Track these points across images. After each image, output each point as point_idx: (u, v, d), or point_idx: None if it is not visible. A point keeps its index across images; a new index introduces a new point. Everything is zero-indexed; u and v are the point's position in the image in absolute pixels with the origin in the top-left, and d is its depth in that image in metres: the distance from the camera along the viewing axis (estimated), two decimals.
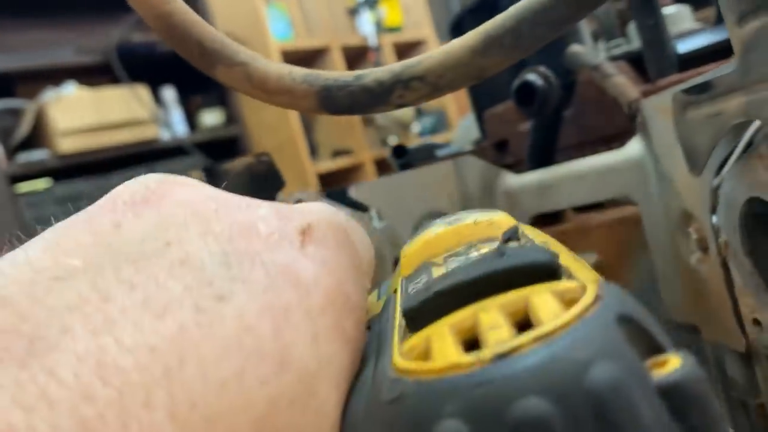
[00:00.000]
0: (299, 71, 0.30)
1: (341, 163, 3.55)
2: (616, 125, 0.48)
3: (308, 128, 3.51)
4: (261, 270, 0.17)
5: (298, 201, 0.49)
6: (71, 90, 2.73)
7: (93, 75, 2.95)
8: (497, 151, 0.55)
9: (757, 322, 0.31)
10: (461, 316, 0.16)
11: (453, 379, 0.14)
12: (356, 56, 3.68)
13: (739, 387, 0.35)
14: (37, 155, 2.69)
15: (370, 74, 0.29)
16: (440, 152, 0.59)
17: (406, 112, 3.64)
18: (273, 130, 3.44)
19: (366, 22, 3.65)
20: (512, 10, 0.26)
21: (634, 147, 0.42)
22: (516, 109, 0.53)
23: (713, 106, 0.27)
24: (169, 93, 3.16)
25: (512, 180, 0.47)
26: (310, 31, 3.58)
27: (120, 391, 0.14)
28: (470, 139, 1.40)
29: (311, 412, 0.16)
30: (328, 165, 3.54)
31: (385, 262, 0.48)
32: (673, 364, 0.15)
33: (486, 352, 0.14)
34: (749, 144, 0.29)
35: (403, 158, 0.57)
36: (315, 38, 3.55)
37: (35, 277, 0.16)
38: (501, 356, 0.14)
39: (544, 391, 0.13)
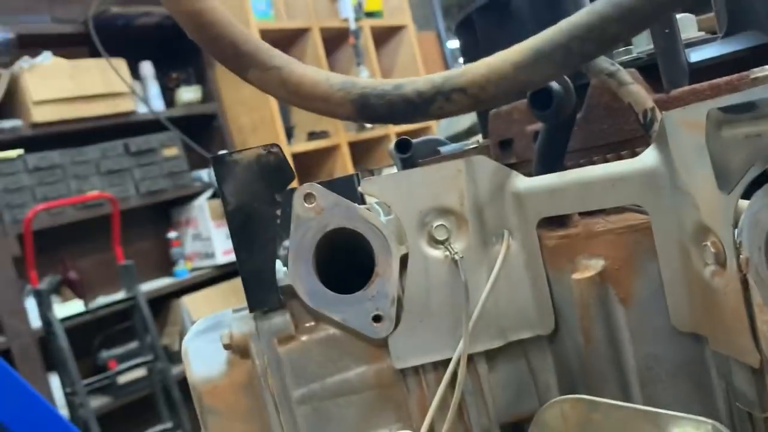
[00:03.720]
0: (336, 78, 0.29)
1: (316, 144, 3.53)
2: (624, 132, 0.48)
3: (284, 109, 3.48)
4: None
5: (308, 195, 0.49)
6: (47, 59, 2.67)
7: (70, 45, 2.88)
8: (501, 150, 0.55)
9: None
10: None
11: None
12: (336, 39, 3.65)
13: (747, 400, 0.36)
14: (9, 124, 2.63)
15: (409, 84, 0.29)
16: (444, 149, 0.59)
17: None
18: (250, 109, 3.39)
19: (347, 6, 3.62)
20: (563, 24, 0.26)
21: (648, 157, 0.42)
22: (525, 110, 0.53)
23: (754, 127, 0.27)
24: (146, 67, 3.10)
25: (522, 182, 0.47)
26: (291, 12, 3.54)
27: None
28: (454, 129, 1.40)
29: None
30: (304, 146, 3.51)
31: (390, 255, 0.48)
32: None
33: None
34: None
35: (407, 153, 0.56)
36: (295, 20, 3.51)
37: None
38: None
39: None
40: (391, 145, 0.56)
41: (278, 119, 3.33)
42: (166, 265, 3.33)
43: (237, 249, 0.46)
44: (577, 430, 0.41)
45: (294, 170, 0.47)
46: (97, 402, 2.75)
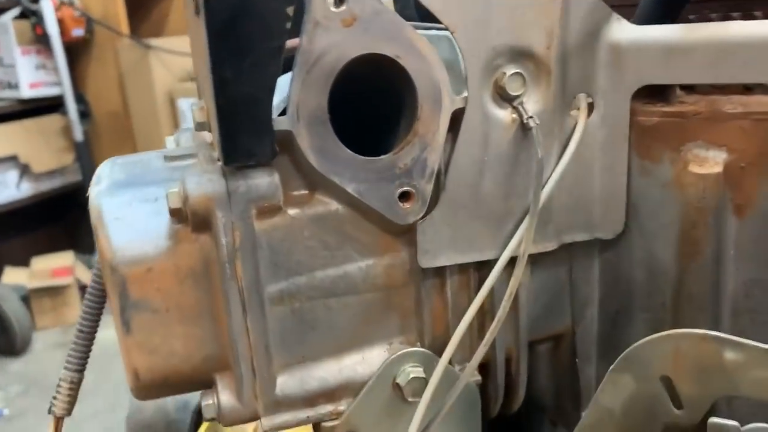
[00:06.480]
0: None
1: None
2: None
3: None
4: None
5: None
6: None
7: None
8: None
9: None
10: None
11: None
12: None
13: None
14: None
15: None
16: None
17: None
18: None
19: None
20: None
21: None
22: None
23: None
24: None
25: (626, 31, 0.34)
26: None
27: None
28: None
29: None
30: None
31: (440, 107, 0.33)
32: None
33: None
34: None
35: None
36: None
37: None
38: None
39: None
40: None
41: None
42: None
43: (216, 61, 0.29)
44: (689, 369, 0.30)
45: None
46: None
